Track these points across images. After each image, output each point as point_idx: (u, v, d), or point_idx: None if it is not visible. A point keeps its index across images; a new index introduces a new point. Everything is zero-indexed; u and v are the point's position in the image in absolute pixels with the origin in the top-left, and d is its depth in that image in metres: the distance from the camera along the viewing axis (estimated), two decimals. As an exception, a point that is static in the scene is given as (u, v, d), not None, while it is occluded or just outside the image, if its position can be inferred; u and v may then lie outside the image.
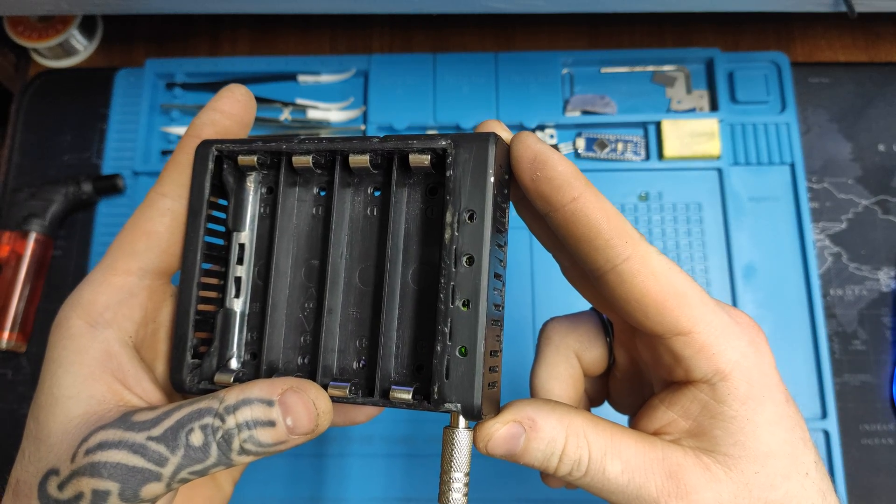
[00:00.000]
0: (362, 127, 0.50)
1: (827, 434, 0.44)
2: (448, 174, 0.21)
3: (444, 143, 0.21)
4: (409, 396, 0.21)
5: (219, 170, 0.24)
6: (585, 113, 0.51)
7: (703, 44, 0.54)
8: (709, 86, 0.52)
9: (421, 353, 0.22)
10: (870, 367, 0.46)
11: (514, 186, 0.22)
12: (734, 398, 0.21)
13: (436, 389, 0.20)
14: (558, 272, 0.48)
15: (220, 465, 0.20)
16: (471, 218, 0.20)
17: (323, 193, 0.24)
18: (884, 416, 0.45)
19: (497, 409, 0.22)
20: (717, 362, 0.21)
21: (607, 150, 0.50)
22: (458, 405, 0.20)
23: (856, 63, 0.53)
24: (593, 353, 0.26)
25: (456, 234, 0.20)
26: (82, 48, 0.55)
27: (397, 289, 0.22)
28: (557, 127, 0.50)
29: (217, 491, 0.27)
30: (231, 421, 0.20)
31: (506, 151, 0.21)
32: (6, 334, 0.47)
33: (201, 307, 0.24)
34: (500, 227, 0.21)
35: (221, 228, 0.24)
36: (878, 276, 0.48)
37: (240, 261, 0.24)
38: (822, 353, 0.45)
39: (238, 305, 0.24)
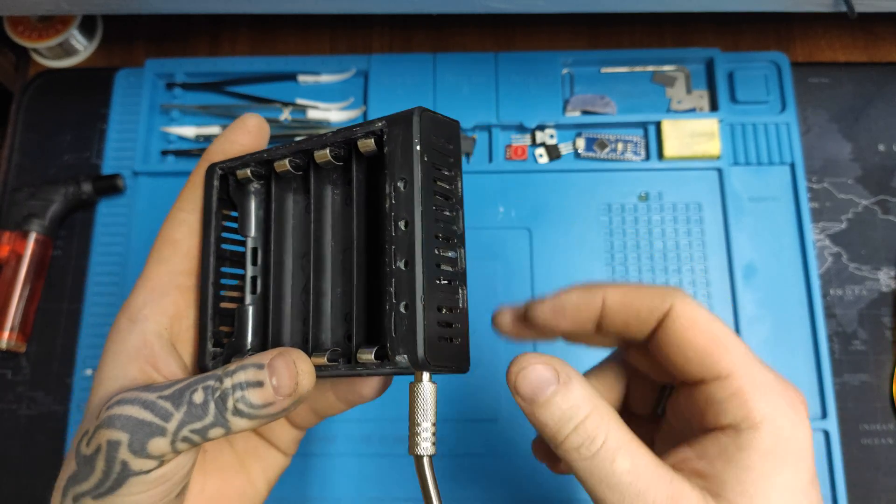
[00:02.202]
0: (362, 127, 0.50)
1: (827, 434, 0.44)
2: (385, 150, 0.23)
3: (380, 124, 0.23)
4: (371, 356, 0.23)
5: (225, 185, 0.27)
6: (585, 113, 0.51)
7: (703, 44, 0.54)
8: (709, 86, 0.52)
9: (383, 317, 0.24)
10: (870, 367, 0.46)
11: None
12: (756, 449, 0.21)
13: (388, 345, 0.22)
14: (558, 272, 0.49)
15: (217, 425, 0.22)
16: (404, 186, 0.22)
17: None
18: (884, 416, 0.45)
19: (464, 363, 0.23)
20: (750, 409, 0.21)
21: (607, 150, 0.50)
22: (405, 356, 0.22)
23: (856, 63, 0.53)
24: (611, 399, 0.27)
25: (393, 202, 0.22)
26: (82, 48, 0.55)
27: (365, 263, 0.24)
28: (557, 127, 0.50)
29: (249, 485, 0.28)
30: (228, 382, 0.22)
31: (440, 122, 0.23)
32: (6, 334, 0.47)
33: (223, 305, 0.27)
34: (439, 192, 0.23)
35: (237, 236, 0.28)
36: (878, 276, 0.48)
37: (254, 262, 0.27)
38: (822, 353, 0.45)
39: (253, 300, 0.27)
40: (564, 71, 0.52)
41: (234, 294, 0.27)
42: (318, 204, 0.26)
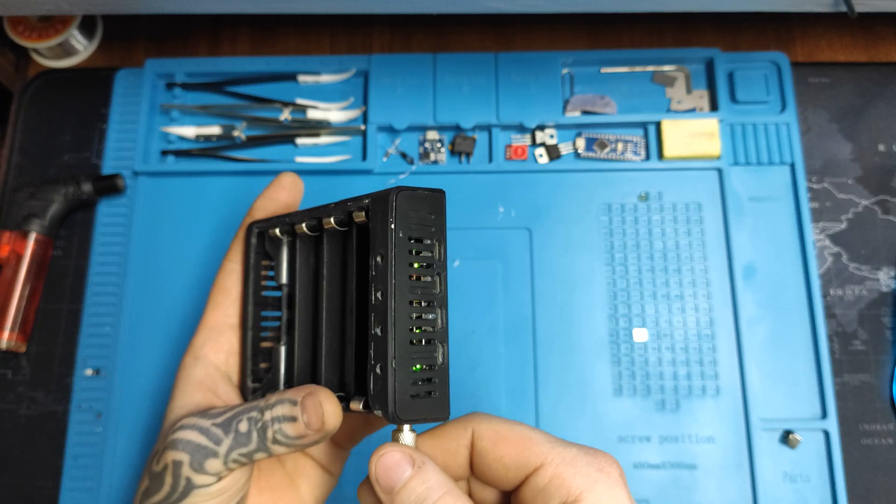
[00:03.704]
0: (362, 127, 0.50)
1: (827, 434, 0.44)
2: (370, 226, 0.26)
3: (367, 201, 0.26)
4: (360, 406, 0.26)
5: (262, 240, 0.31)
6: (585, 113, 0.51)
7: (703, 44, 0.54)
8: (709, 86, 0.52)
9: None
10: (870, 367, 0.46)
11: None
12: None
13: (368, 400, 0.25)
14: (558, 272, 0.49)
15: (261, 450, 0.26)
16: (381, 260, 0.25)
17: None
18: (884, 416, 0.45)
19: (442, 413, 0.25)
20: (568, 487, 0.24)
21: (607, 150, 0.50)
22: (380, 411, 0.24)
23: (856, 63, 0.53)
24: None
25: (373, 273, 0.25)
26: (82, 48, 0.55)
27: (359, 321, 0.27)
28: (557, 127, 0.50)
29: (299, 502, 0.31)
30: (268, 415, 0.26)
31: (421, 197, 0.26)
32: (6, 334, 0.47)
33: (263, 344, 0.31)
34: (419, 261, 0.25)
35: (274, 283, 0.32)
36: (878, 276, 0.48)
37: (289, 306, 0.31)
38: (822, 353, 0.45)
39: (286, 341, 0.31)
40: (564, 71, 0.52)
41: (273, 335, 0.31)
42: (330, 260, 0.29)
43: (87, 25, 0.55)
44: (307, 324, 0.30)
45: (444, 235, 0.26)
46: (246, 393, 0.31)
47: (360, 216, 0.27)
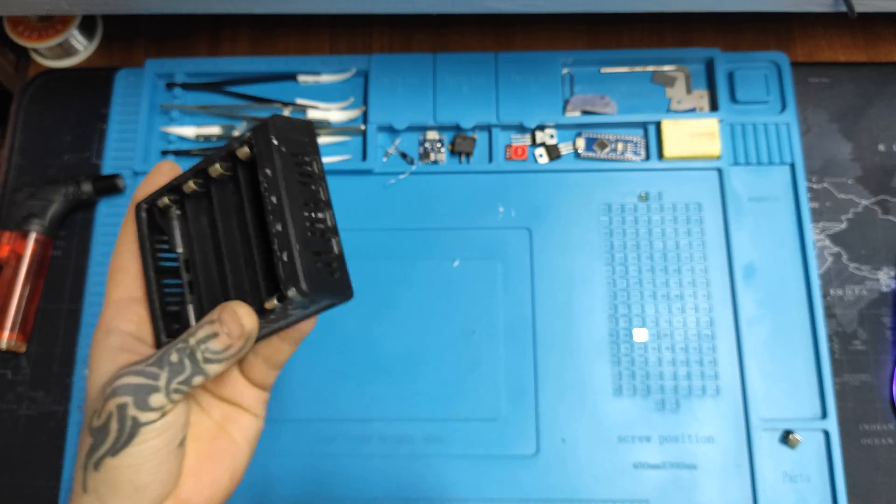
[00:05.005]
0: (362, 127, 0.50)
1: (827, 434, 0.44)
2: (254, 151, 0.30)
3: (248, 134, 0.30)
4: (275, 301, 0.29)
5: (152, 216, 0.34)
6: (585, 113, 0.51)
7: (703, 44, 0.54)
8: (709, 86, 0.52)
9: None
10: (870, 367, 0.46)
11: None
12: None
13: (280, 288, 0.28)
14: (558, 272, 0.49)
15: (197, 374, 0.29)
16: (270, 171, 0.29)
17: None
18: (883, 416, 0.45)
19: (347, 290, 0.30)
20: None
21: (607, 150, 0.50)
22: (293, 290, 0.28)
23: (856, 63, 0.53)
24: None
25: (266, 185, 0.29)
26: (82, 48, 0.55)
27: (261, 239, 0.31)
28: (557, 127, 0.50)
29: (232, 444, 0.33)
30: (192, 341, 0.29)
31: (294, 123, 0.30)
32: (6, 334, 0.47)
33: (170, 308, 0.33)
34: (300, 172, 0.30)
35: (171, 255, 0.34)
36: (878, 276, 0.48)
37: (187, 270, 0.34)
38: (822, 353, 0.45)
39: (192, 300, 0.33)
40: (564, 71, 0.52)
41: (179, 299, 0.34)
42: (222, 209, 0.32)
43: (87, 25, 0.55)
44: (212, 268, 0.33)
45: (319, 153, 0.31)
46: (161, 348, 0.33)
47: (243, 152, 0.30)
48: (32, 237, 0.48)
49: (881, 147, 0.51)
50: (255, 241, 0.31)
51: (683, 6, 0.43)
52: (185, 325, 0.33)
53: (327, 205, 0.31)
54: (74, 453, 0.45)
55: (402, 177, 0.50)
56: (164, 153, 0.51)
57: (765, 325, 0.47)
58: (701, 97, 0.51)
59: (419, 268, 0.47)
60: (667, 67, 0.52)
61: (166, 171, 0.34)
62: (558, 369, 0.46)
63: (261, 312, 0.30)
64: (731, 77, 0.51)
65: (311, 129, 0.31)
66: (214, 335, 0.29)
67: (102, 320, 0.32)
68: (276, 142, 0.29)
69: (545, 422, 0.45)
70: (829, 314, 0.47)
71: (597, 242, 0.48)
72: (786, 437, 0.44)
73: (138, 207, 0.34)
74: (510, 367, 0.46)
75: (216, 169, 0.31)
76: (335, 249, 0.30)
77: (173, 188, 0.33)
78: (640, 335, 0.46)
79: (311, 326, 0.34)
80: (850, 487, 0.44)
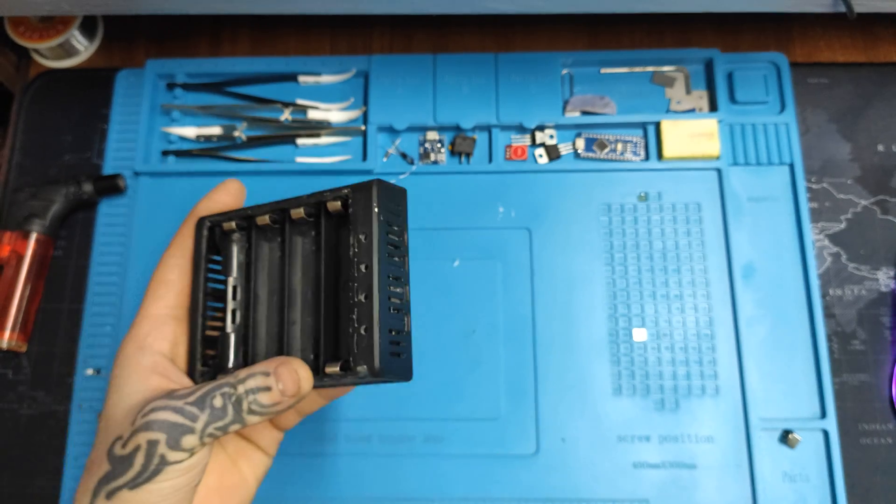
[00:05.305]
0: (363, 127, 0.51)
1: (826, 434, 0.44)
2: (349, 211, 0.29)
3: (346, 191, 0.30)
4: (336, 369, 0.29)
5: (212, 235, 0.33)
6: (585, 113, 0.51)
7: (702, 44, 0.54)
8: (708, 86, 0.52)
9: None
10: (869, 366, 0.46)
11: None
12: None
13: (350, 360, 0.28)
14: (558, 272, 0.49)
15: (236, 422, 0.28)
16: (365, 238, 0.29)
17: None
18: (882, 416, 0.46)
19: (408, 373, 0.29)
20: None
21: (607, 150, 0.50)
22: (365, 367, 0.28)
23: (855, 63, 0.53)
24: None
25: (356, 250, 0.29)
26: (83, 49, 0.55)
27: (331, 297, 0.31)
28: (557, 127, 0.50)
29: (241, 481, 0.33)
30: (241, 388, 0.28)
31: (393, 190, 0.30)
32: (7, 334, 0.47)
33: (208, 333, 0.33)
34: (390, 243, 0.29)
35: (221, 277, 0.34)
36: (878, 276, 0.48)
37: (234, 297, 0.33)
38: (821, 353, 0.46)
39: (233, 329, 0.33)
40: (564, 71, 0.52)
41: (219, 324, 0.34)
42: (291, 250, 0.32)
43: (88, 26, 0.55)
44: (267, 307, 0.33)
45: (407, 225, 0.31)
46: (195, 376, 0.33)
47: (335, 205, 0.30)
48: (33, 237, 0.48)
49: (880, 147, 0.51)
50: (324, 295, 0.31)
51: (683, 7, 0.43)
52: (222, 354, 0.33)
53: (407, 280, 0.30)
54: (75, 453, 0.45)
55: (402, 177, 0.50)
56: (165, 153, 0.51)
57: (764, 324, 0.47)
58: (700, 98, 0.51)
59: (419, 268, 0.47)
60: (666, 68, 0.52)
61: (232, 189, 0.34)
62: (558, 369, 0.46)
63: (316, 372, 0.30)
64: (730, 77, 0.51)
65: (404, 198, 0.31)
66: (266, 389, 0.28)
67: (136, 334, 0.31)
68: (376, 209, 0.29)
69: (545, 421, 0.45)
70: (829, 314, 0.47)
71: (596, 242, 0.48)
72: (785, 437, 0.44)
73: (201, 223, 0.33)
74: (510, 367, 0.46)
75: (299, 212, 0.31)
76: (406, 328, 0.30)
77: (245, 216, 0.33)
78: (640, 335, 0.46)
79: (350, 390, 0.34)
80: (849, 487, 0.44)
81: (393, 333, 0.29)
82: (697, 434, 0.45)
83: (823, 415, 0.45)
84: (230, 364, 0.33)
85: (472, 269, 0.48)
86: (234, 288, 0.34)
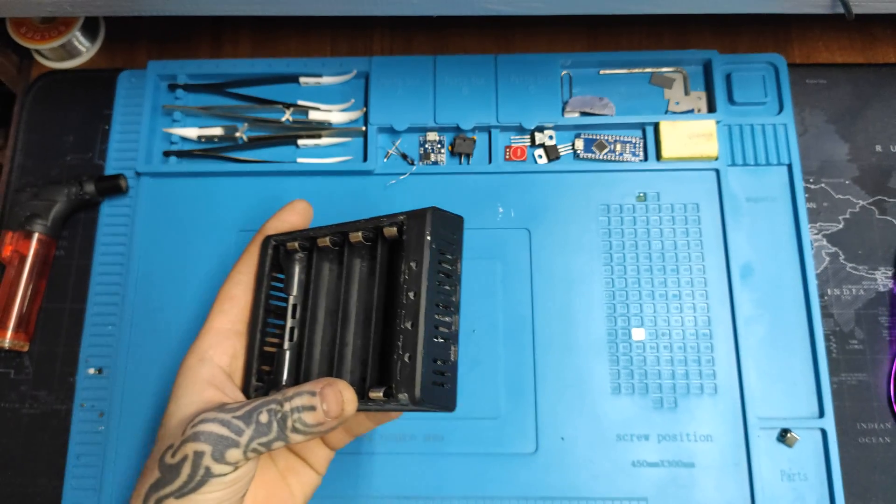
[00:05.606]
0: (363, 128, 0.51)
1: (824, 433, 0.44)
2: (403, 238, 0.30)
3: (402, 217, 0.30)
4: (380, 395, 0.29)
5: (276, 254, 0.34)
6: (584, 114, 0.51)
7: (700, 46, 0.54)
8: (706, 87, 0.52)
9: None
10: (867, 366, 0.47)
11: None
12: None
13: (393, 387, 0.28)
14: (557, 272, 0.49)
15: (279, 439, 0.29)
16: (416, 266, 0.29)
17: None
18: (880, 415, 0.46)
19: (451, 404, 0.29)
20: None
21: (606, 150, 0.50)
22: (406, 395, 0.28)
23: (853, 64, 0.53)
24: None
25: (406, 277, 0.29)
26: (85, 50, 0.55)
27: (381, 322, 0.31)
28: (556, 128, 0.51)
29: (290, 497, 0.34)
30: (287, 406, 0.29)
31: (448, 218, 0.30)
32: (9, 333, 0.47)
33: (266, 349, 0.34)
34: (442, 271, 0.29)
35: (282, 294, 0.35)
36: (875, 276, 0.48)
37: (293, 315, 0.34)
38: (820, 353, 0.46)
39: (290, 346, 0.34)
40: (563, 72, 0.52)
41: (276, 341, 0.34)
42: (349, 273, 0.33)
43: (90, 27, 0.55)
44: (322, 326, 0.34)
45: (461, 253, 0.31)
46: (249, 391, 0.33)
47: (391, 231, 0.31)
48: (35, 237, 0.48)
49: (878, 148, 0.51)
50: (375, 319, 0.31)
51: (681, 8, 0.44)
52: (277, 370, 0.33)
53: (457, 309, 0.30)
54: (76, 453, 0.45)
55: (402, 177, 0.50)
56: (167, 154, 0.51)
57: (762, 324, 0.47)
58: (699, 98, 0.52)
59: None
60: (665, 69, 0.52)
61: (300, 209, 0.35)
62: (557, 368, 0.46)
63: (362, 396, 0.30)
64: (728, 78, 0.51)
65: (460, 227, 0.31)
66: (311, 408, 0.29)
67: (199, 346, 0.32)
68: (429, 237, 0.29)
69: (544, 420, 0.45)
70: (827, 314, 0.48)
71: (595, 242, 0.48)
72: (783, 436, 0.44)
73: (266, 242, 0.35)
74: (509, 366, 0.46)
75: (357, 236, 0.32)
76: (452, 357, 0.30)
77: (308, 237, 0.34)
78: (639, 334, 0.47)
79: (399, 415, 0.35)
80: (847, 486, 0.44)
81: (438, 363, 0.29)
82: (696, 433, 0.45)
83: (821, 414, 0.45)
84: (283, 381, 0.34)
85: (472, 269, 0.48)
86: (294, 306, 0.34)
